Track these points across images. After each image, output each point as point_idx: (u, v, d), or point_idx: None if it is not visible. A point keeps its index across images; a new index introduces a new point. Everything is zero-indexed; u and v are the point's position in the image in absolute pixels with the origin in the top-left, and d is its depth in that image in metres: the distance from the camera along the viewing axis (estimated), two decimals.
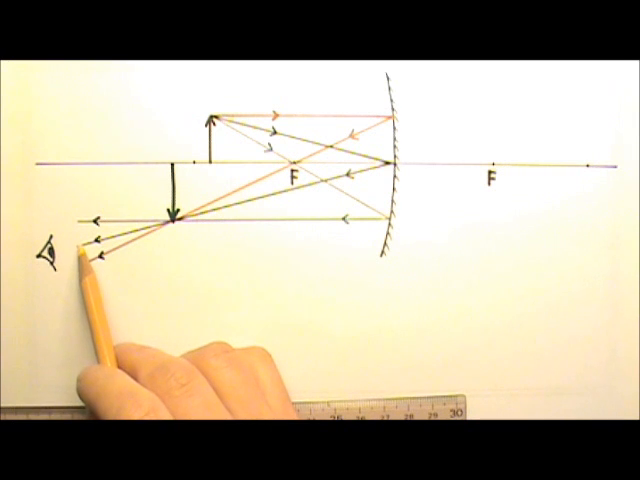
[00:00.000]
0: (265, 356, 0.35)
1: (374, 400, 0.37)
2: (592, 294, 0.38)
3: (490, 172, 0.37)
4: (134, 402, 0.30)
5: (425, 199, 0.37)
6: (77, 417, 0.36)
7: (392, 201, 0.37)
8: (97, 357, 0.34)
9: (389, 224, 0.37)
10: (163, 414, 0.30)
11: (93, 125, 0.36)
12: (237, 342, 0.36)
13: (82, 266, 0.35)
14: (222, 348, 0.34)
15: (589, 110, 0.37)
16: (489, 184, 0.37)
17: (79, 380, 0.33)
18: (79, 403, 0.36)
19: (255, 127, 0.36)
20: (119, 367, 0.34)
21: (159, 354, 0.34)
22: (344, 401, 0.37)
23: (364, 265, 0.37)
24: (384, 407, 0.37)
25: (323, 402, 0.37)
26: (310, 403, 0.36)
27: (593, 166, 0.37)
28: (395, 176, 0.37)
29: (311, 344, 0.37)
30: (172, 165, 0.36)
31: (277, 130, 0.36)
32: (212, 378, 0.32)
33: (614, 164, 0.37)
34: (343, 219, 0.37)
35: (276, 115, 0.36)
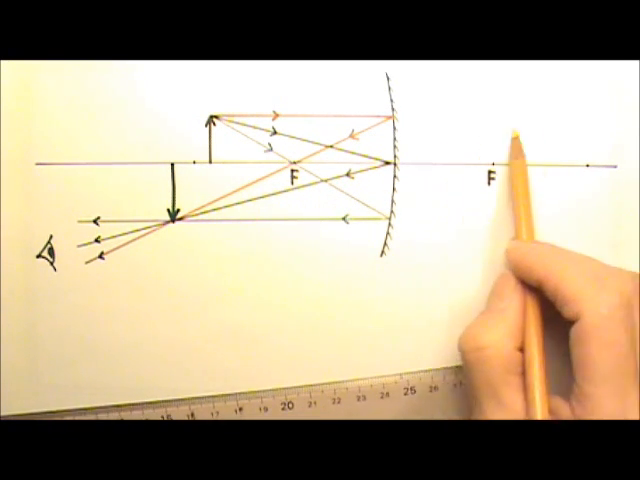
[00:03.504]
0: None
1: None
2: None
3: (490, 172, 0.37)
4: None
5: (425, 199, 0.37)
6: (77, 418, 0.36)
7: (392, 201, 0.37)
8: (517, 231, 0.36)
9: (389, 224, 0.37)
10: None
11: (93, 125, 0.36)
12: (236, 342, 0.36)
13: (514, 148, 0.36)
14: None
15: (589, 110, 0.37)
16: (489, 184, 0.37)
17: (516, 249, 0.34)
18: (79, 404, 0.36)
19: (255, 127, 0.36)
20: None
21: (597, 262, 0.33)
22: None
23: (364, 265, 0.37)
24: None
25: (396, 375, 0.37)
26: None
27: (593, 166, 0.37)
28: (395, 176, 0.37)
29: (311, 344, 0.37)
30: (172, 165, 0.36)
31: (277, 130, 0.36)
32: None
33: (614, 164, 0.37)
34: (343, 219, 0.37)
35: (276, 115, 0.36)
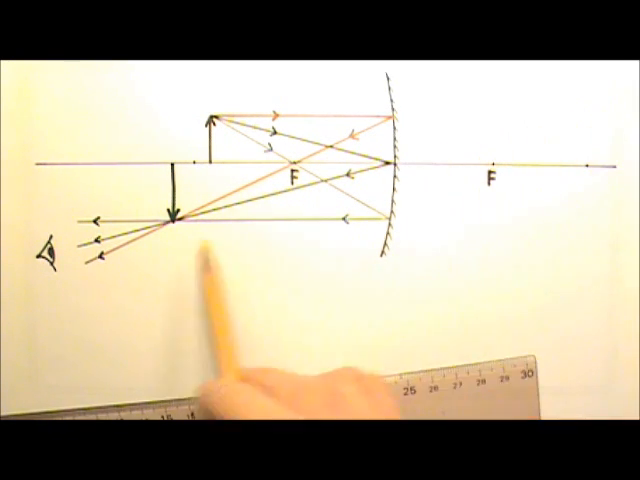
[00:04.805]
0: (382, 383, 0.33)
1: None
2: (592, 293, 0.38)
3: (490, 172, 0.37)
4: None
5: (425, 199, 0.37)
6: (77, 418, 0.36)
7: (392, 201, 0.37)
8: (220, 367, 0.33)
9: (389, 224, 0.37)
10: None
11: (93, 125, 0.36)
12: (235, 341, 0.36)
13: (201, 261, 0.35)
14: (354, 375, 0.33)
15: (589, 110, 0.37)
16: (489, 184, 0.37)
17: (208, 395, 0.31)
18: (79, 404, 0.36)
19: (255, 127, 0.36)
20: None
21: (294, 374, 0.33)
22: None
23: (364, 265, 0.37)
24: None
25: (395, 375, 0.37)
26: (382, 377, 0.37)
27: (592, 166, 0.37)
28: (395, 176, 0.37)
29: (311, 344, 0.37)
30: (172, 165, 0.36)
31: (277, 130, 0.36)
32: (347, 404, 0.31)
33: (613, 164, 0.37)
34: (343, 219, 0.37)
35: (276, 115, 0.36)
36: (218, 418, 0.31)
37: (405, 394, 0.37)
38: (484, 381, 0.37)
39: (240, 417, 0.30)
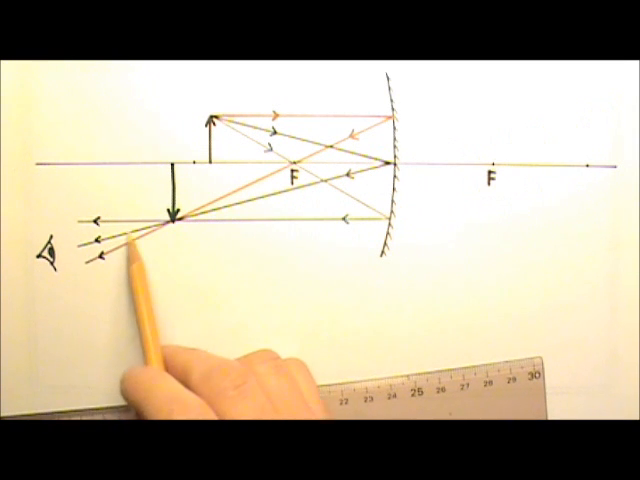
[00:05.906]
0: (303, 366, 0.35)
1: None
2: (592, 294, 0.38)
3: (490, 172, 0.37)
4: (184, 407, 0.30)
5: (425, 199, 0.37)
6: (75, 418, 0.36)
7: (392, 201, 0.37)
8: (144, 355, 0.34)
9: (389, 224, 0.37)
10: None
11: (93, 125, 0.35)
12: (235, 342, 0.36)
13: (130, 253, 0.35)
14: (269, 355, 0.35)
15: (589, 110, 0.37)
16: (489, 184, 0.37)
17: (123, 381, 0.33)
18: (78, 405, 0.36)
19: (255, 127, 0.36)
20: (168, 368, 0.33)
21: (212, 356, 0.34)
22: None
23: (364, 265, 0.37)
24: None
25: (403, 376, 0.37)
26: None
27: (593, 166, 0.37)
28: (395, 176, 0.37)
29: (313, 345, 0.37)
30: (172, 165, 0.36)
31: (277, 130, 0.36)
32: (260, 384, 0.32)
33: (614, 164, 0.37)
34: (343, 219, 0.37)
35: (276, 115, 0.36)
36: (132, 406, 0.32)
37: (412, 395, 0.37)
38: (491, 382, 0.37)
39: (144, 405, 0.31)
